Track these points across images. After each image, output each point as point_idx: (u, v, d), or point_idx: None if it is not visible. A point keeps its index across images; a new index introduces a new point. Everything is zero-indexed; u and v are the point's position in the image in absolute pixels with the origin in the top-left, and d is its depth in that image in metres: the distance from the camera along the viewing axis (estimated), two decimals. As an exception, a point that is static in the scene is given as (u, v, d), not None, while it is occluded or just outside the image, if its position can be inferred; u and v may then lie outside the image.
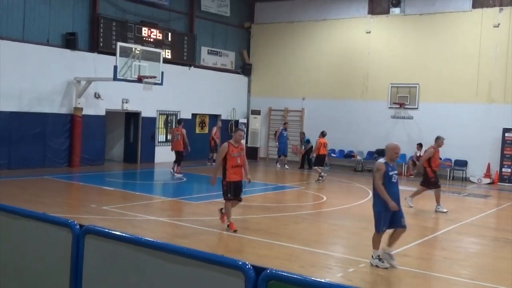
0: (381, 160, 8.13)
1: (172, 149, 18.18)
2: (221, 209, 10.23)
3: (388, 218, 8.03)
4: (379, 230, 8.04)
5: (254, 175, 21.48)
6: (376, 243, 8.01)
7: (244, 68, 26.32)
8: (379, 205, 8.01)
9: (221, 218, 10.22)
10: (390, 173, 8.00)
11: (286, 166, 22.35)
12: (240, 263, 3.15)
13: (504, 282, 7.52)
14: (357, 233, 10.68)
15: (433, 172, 13.34)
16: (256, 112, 26.17)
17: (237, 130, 10.13)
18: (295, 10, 25.28)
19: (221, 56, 25.38)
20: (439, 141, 13.54)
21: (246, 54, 26.45)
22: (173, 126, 22.75)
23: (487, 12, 20.79)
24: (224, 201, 10.04)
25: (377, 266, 7.84)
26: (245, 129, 25.85)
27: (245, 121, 26.00)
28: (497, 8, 20.64)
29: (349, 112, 23.48)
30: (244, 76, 26.48)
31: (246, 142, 25.89)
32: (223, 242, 9.34)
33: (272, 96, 25.82)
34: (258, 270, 3.10)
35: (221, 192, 10.00)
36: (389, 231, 8.16)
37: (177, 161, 17.94)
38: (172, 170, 18.01)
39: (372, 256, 7.99)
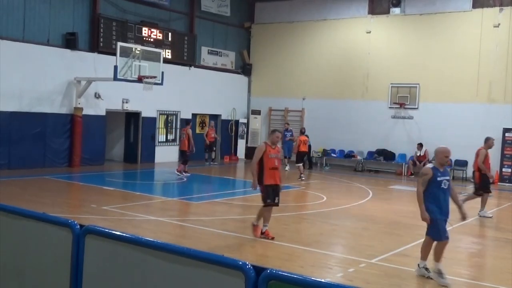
0: (430, 165, 7.61)
1: (179, 149, 18.90)
2: (253, 223, 9.46)
3: (444, 225, 7.39)
4: (441, 238, 7.39)
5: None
6: (426, 253, 7.48)
7: (244, 68, 26.32)
8: (434, 212, 7.34)
9: (254, 231, 9.39)
10: (439, 179, 7.44)
11: (286, 168, 21.47)
12: (240, 263, 3.15)
13: (504, 282, 7.52)
14: (357, 233, 10.68)
15: (484, 175, 12.61)
16: (256, 112, 26.17)
17: (274, 132, 9.63)
18: (295, 10, 25.28)
19: (221, 56, 25.38)
20: (489, 141, 12.73)
21: (246, 54, 26.45)
22: (173, 126, 22.81)
23: (487, 12, 20.78)
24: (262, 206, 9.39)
25: (428, 277, 7.33)
26: (245, 129, 25.88)
27: (245, 121, 25.99)
28: (497, 8, 20.64)
29: (349, 112, 23.47)
30: (244, 76, 26.48)
31: (246, 142, 25.92)
32: (223, 242, 9.34)
33: (272, 96, 25.82)
34: (258, 270, 3.10)
35: (260, 197, 9.40)
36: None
37: (183, 161, 18.17)
38: (177, 172, 18.05)
39: (418, 265, 7.54)
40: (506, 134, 20.06)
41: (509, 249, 9.68)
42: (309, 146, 21.75)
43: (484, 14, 20.82)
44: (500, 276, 7.91)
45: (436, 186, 7.36)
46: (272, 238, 9.21)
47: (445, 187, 7.43)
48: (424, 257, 7.49)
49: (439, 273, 7.28)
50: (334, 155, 23.58)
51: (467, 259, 9.00)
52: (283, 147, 21.69)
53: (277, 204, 9.50)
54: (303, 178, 18.35)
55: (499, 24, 20.50)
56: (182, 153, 18.56)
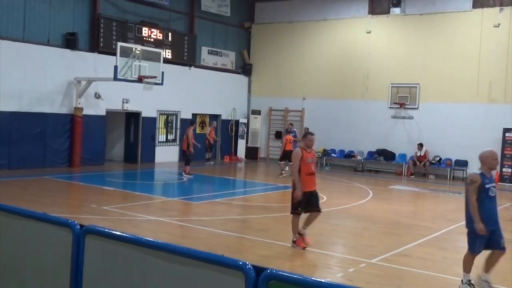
0: (477, 171, 7.26)
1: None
2: (294, 239, 8.78)
3: (485, 238, 6.93)
4: (473, 251, 6.99)
5: (255, 175, 21.54)
6: (468, 266, 7.02)
7: (244, 68, 26.32)
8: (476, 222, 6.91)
9: (298, 244, 8.71)
10: (487, 186, 7.02)
11: (286, 169, 19.83)
12: (240, 263, 3.15)
13: (504, 282, 7.52)
14: (358, 233, 10.68)
15: None
16: (257, 112, 26.18)
17: (307, 135, 9.05)
18: (295, 10, 25.29)
19: (221, 56, 25.38)
20: None
21: (246, 54, 26.46)
22: (174, 126, 22.82)
23: (487, 12, 20.78)
24: (292, 215, 8.89)
25: None
26: (246, 129, 25.88)
27: (245, 121, 25.99)
28: (497, 8, 20.64)
29: (349, 112, 23.48)
30: (244, 76, 26.48)
31: (247, 142, 25.93)
32: (223, 242, 9.34)
33: (272, 96, 25.82)
34: (259, 270, 3.10)
35: (290, 205, 8.85)
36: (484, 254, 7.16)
37: (185, 161, 18.10)
38: (186, 175, 17.80)
39: (462, 281, 7.07)
40: (506, 134, 20.06)
41: (509, 249, 9.67)
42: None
43: (484, 14, 20.82)
44: (500, 276, 7.91)
45: (484, 194, 6.98)
46: (304, 248, 8.67)
47: (493, 195, 7.05)
48: (466, 269, 7.07)
49: (483, 285, 7.05)
50: (334, 155, 23.58)
51: (467, 259, 8.98)
52: None
53: (319, 210, 8.94)
54: (284, 175, 18.67)
55: (499, 24, 20.50)
56: (183, 153, 18.75)
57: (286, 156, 18.95)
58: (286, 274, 3.03)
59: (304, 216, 8.94)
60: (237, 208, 13.01)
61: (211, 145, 22.64)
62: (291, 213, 8.88)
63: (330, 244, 9.81)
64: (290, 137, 19.61)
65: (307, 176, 8.74)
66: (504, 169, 20.19)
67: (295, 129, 21.84)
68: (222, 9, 24.89)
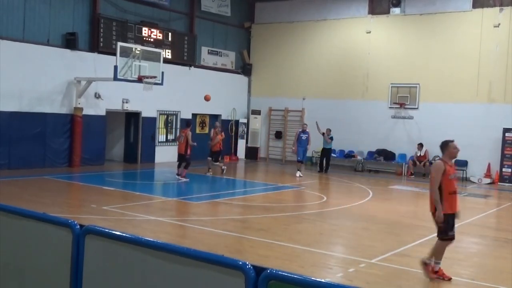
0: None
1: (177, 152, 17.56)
2: (425, 262, 7.59)
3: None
4: (445, 236, 7.39)
5: (255, 175, 21.55)
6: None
7: (244, 68, 26.32)
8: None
9: (426, 271, 7.54)
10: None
11: (300, 174, 19.58)
12: (240, 263, 3.15)
13: (504, 282, 7.52)
14: (358, 233, 10.68)
15: None
16: (256, 112, 26.18)
17: (448, 143, 7.60)
18: (295, 10, 25.29)
19: (221, 56, 25.38)
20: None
21: (246, 54, 26.46)
22: (174, 126, 22.80)
23: (487, 12, 20.78)
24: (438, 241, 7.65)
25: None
26: (245, 129, 25.88)
27: (245, 121, 25.99)
28: (497, 8, 20.64)
29: (349, 112, 23.47)
30: (244, 76, 26.48)
31: (246, 142, 25.93)
32: (223, 242, 9.33)
33: (272, 96, 25.82)
34: (258, 270, 3.10)
35: (437, 230, 7.64)
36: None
37: (184, 165, 16.99)
38: (177, 176, 17.09)
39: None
40: (506, 134, 20.05)
41: (509, 249, 9.68)
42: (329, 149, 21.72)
43: (484, 14, 20.82)
44: (500, 276, 7.91)
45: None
46: (449, 279, 7.50)
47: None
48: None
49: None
50: (334, 155, 23.55)
51: (467, 259, 9.00)
52: (298, 150, 20.11)
53: (453, 238, 7.63)
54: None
55: (499, 24, 20.50)
56: (179, 156, 17.32)
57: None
58: (286, 274, 3.03)
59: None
60: (237, 208, 13.01)
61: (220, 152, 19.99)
62: (440, 238, 7.57)
63: (330, 244, 9.81)
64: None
65: (450, 195, 7.41)
66: (504, 169, 20.18)
67: (308, 130, 20.55)
68: (222, 9, 24.89)
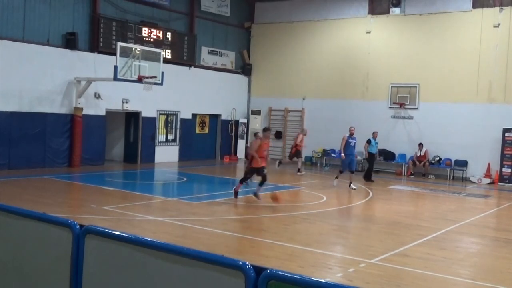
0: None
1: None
2: None
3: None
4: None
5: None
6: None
7: (244, 68, 26.33)
8: None
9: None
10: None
11: (353, 186, 16.73)
12: (240, 263, 3.15)
13: (504, 282, 7.52)
14: (357, 233, 10.68)
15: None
16: (256, 112, 26.18)
17: None
18: (295, 10, 25.29)
19: (221, 56, 25.39)
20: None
21: (246, 54, 26.46)
22: (173, 126, 22.75)
23: (487, 12, 20.79)
24: None
25: None
26: (245, 129, 25.87)
27: (245, 121, 26.00)
28: (497, 8, 20.64)
29: (349, 112, 23.46)
30: (244, 76, 26.49)
31: (246, 142, 25.93)
32: (223, 242, 9.34)
33: (272, 96, 25.82)
34: (258, 270, 3.09)
35: None
36: None
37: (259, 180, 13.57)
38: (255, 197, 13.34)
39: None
40: (506, 134, 20.06)
41: (509, 249, 9.68)
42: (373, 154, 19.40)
43: (484, 14, 20.83)
44: (500, 276, 7.92)
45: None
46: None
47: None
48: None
49: None
50: (334, 155, 23.54)
51: (466, 259, 9.00)
52: (346, 159, 16.96)
53: None
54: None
55: (499, 24, 20.51)
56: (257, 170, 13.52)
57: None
58: (285, 274, 3.03)
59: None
60: (237, 208, 13.02)
61: (298, 152, 20.17)
62: None
63: (330, 244, 9.82)
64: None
65: None
66: (504, 169, 20.18)
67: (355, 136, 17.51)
68: (222, 9, 24.90)
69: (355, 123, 23.10)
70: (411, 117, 22.29)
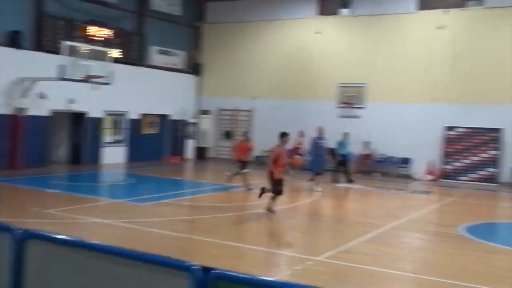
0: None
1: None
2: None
3: None
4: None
5: (204, 175, 21.48)
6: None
7: (194, 68, 26.17)
8: None
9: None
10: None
11: (318, 188, 16.18)
12: (187, 264, 3.15)
13: (444, 275, 7.80)
14: (305, 231, 10.83)
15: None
16: (206, 112, 26.09)
17: None
18: (247, 10, 25.33)
19: (171, 55, 25.16)
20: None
21: (197, 53, 26.32)
22: (121, 127, 22.32)
23: (432, 14, 21.48)
24: None
25: None
26: (195, 130, 25.72)
27: (194, 121, 25.86)
28: (441, 10, 21.35)
29: (299, 112, 23.70)
30: (195, 76, 26.34)
31: (196, 143, 25.80)
32: (171, 243, 9.27)
33: (222, 96, 25.78)
34: (206, 270, 3.11)
35: None
36: None
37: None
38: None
39: None
40: (448, 132, 20.84)
41: (451, 244, 10.06)
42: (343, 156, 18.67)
43: (429, 16, 21.52)
44: (441, 270, 8.21)
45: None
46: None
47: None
48: None
49: None
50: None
51: (410, 254, 9.28)
52: (315, 160, 16.77)
53: None
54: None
55: (443, 26, 21.20)
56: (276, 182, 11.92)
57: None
58: (233, 274, 3.05)
59: None
60: (185, 208, 12.95)
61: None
62: None
63: (278, 243, 9.92)
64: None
65: None
66: (445, 166, 20.94)
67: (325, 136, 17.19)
68: (172, 8, 24.68)
69: (304, 123, 23.43)
70: (359, 117, 22.71)
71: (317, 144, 16.49)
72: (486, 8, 20.61)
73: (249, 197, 15.07)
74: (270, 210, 11.75)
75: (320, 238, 10.11)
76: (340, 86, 22.99)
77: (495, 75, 20.17)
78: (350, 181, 18.78)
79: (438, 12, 21.37)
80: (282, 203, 13.51)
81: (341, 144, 19.06)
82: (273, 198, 11.78)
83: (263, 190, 12.01)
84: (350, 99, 22.73)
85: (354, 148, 22.50)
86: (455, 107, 20.79)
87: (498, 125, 20.11)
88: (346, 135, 19.44)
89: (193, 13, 26.15)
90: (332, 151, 18.60)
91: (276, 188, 11.72)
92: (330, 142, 18.27)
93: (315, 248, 9.17)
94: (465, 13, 21.06)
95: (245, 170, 15.57)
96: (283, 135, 12.64)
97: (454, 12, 21.17)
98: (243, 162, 15.62)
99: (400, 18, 22.13)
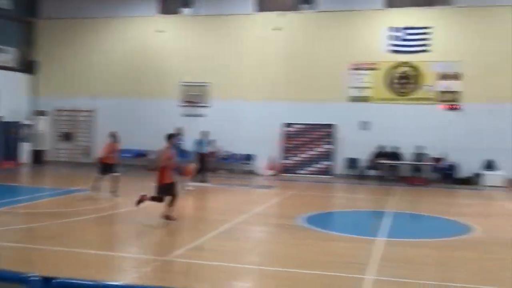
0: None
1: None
2: None
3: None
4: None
5: (41, 179, 20.17)
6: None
7: (28, 66, 24.44)
8: None
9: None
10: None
11: (189, 187, 16.09)
12: (25, 275, 2.98)
13: (287, 265, 8.25)
14: (152, 232, 10.72)
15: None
16: (43, 113, 24.54)
17: None
18: (84, 6, 24.30)
19: (1, 52, 23.22)
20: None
21: (30, 51, 24.60)
22: None
23: (268, 16, 22.53)
24: None
25: None
26: (30, 132, 24.08)
27: (29, 122, 24.17)
28: (277, 13, 22.49)
29: (142, 111, 23.41)
30: (28, 75, 24.60)
31: (31, 146, 24.15)
32: (8, 255, 8.58)
33: (61, 96, 24.47)
34: (46, 280, 2.96)
35: None
36: None
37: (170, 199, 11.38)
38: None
39: None
40: (286, 129, 22.09)
41: (290, 234, 10.67)
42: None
43: (265, 18, 22.54)
44: (285, 260, 8.67)
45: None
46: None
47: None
48: None
49: None
50: (128, 155, 23.09)
51: (256, 247, 9.66)
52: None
53: None
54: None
55: (279, 28, 22.34)
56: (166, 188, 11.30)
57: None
58: (76, 281, 2.96)
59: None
60: (22, 216, 12.06)
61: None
62: None
63: (125, 246, 9.70)
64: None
65: None
66: (285, 161, 22.16)
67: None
68: (2, 2, 22.78)
69: (147, 122, 23.23)
70: (203, 115, 23.04)
71: (175, 145, 16.14)
72: (318, 11, 22.17)
73: (91, 201, 14.49)
74: (169, 217, 11.09)
75: (168, 238, 10.10)
76: (184, 85, 23.13)
77: (328, 75, 21.80)
78: (204, 180, 18.46)
79: (274, 14, 22.50)
80: (129, 205, 13.17)
81: (200, 142, 19.03)
82: (170, 204, 11.14)
83: (142, 198, 11.40)
84: (194, 98, 22.99)
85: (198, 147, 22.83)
86: (292, 104, 22.10)
87: (331, 121, 21.77)
88: (204, 133, 19.37)
89: (25, 7, 24.42)
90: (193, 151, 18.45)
91: (166, 194, 11.07)
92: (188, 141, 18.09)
93: (163, 248, 9.14)
94: (300, 16, 22.44)
95: (117, 174, 14.71)
96: (171, 136, 12.12)
97: (289, 14, 22.44)
98: (109, 164, 14.60)
99: (239, 19, 22.90)
